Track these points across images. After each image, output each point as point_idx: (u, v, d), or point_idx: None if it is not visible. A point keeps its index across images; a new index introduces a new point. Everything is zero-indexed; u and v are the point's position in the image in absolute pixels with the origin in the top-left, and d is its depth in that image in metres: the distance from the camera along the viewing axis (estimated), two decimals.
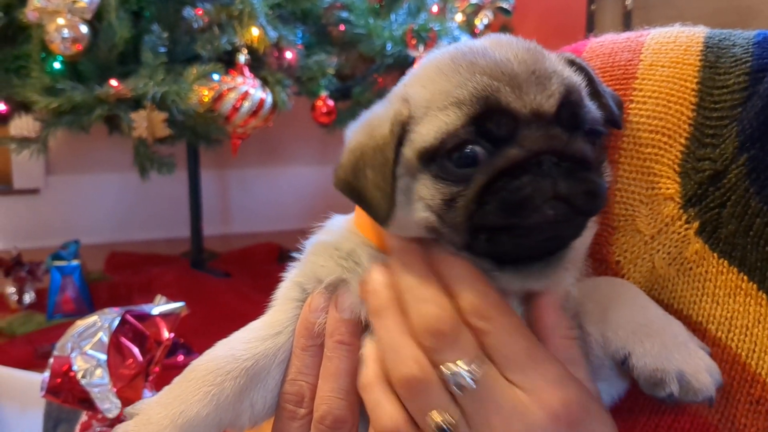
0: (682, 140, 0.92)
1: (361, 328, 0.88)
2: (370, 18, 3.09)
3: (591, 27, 3.13)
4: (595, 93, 0.86)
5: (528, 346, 0.81)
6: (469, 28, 3.65)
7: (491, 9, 3.72)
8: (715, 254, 0.90)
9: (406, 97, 0.83)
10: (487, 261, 0.82)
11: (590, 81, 0.86)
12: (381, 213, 0.82)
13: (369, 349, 0.86)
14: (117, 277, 4.33)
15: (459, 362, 0.78)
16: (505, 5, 3.72)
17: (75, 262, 3.84)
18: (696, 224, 0.90)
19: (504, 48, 0.81)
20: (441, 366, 0.79)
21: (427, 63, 0.87)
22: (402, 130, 0.81)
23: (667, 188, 0.92)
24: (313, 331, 0.90)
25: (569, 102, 0.79)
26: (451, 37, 3.30)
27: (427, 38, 3.13)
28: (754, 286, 0.87)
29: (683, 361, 0.80)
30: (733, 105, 0.92)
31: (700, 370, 0.80)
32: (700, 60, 0.95)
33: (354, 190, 0.85)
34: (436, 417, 0.78)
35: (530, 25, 3.94)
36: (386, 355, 0.83)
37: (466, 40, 0.89)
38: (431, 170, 0.80)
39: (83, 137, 3.53)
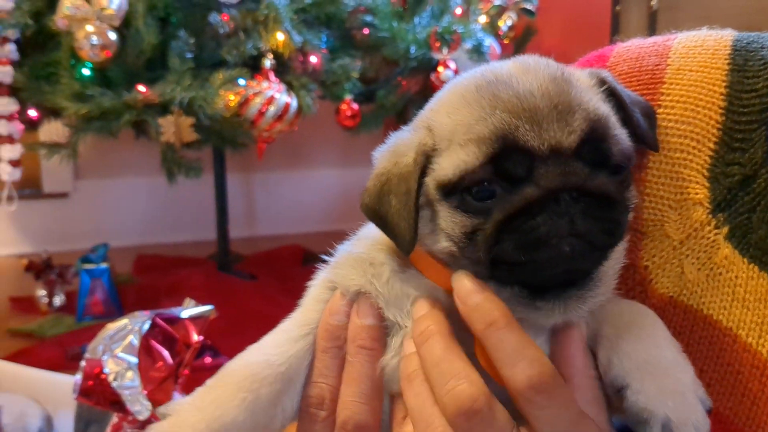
0: (711, 145, 0.92)
1: (384, 333, 0.89)
2: (394, 21, 3.10)
3: (616, 28, 3.11)
4: (627, 117, 0.86)
5: (578, 417, 0.80)
6: (493, 29, 3.64)
7: (515, 10, 3.70)
8: (745, 259, 0.89)
9: (431, 126, 0.84)
10: (525, 291, 0.82)
11: (621, 104, 0.86)
12: (404, 242, 0.83)
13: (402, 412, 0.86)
14: (145, 279, 4.37)
15: None
16: (528, 6, 3.70)
17: (104, 265, 3.88)
18: (725, 229, 0.90)
19: (530, 77, 0.81)
20: None
21: (453, 87, 0.87)
22: (425, 160, 0.82)
23: (696, 193, 0.91)
24: (333, 333, 0.90)
25: (592, 137, 0.79)
26: (475, 39, 3.30)
27: (451, 40, 3.13)
28: None
29: (674, 410, 0.79)
30: (762, 108, 0.91)
31: (687, 423, 0.79)
32: (728, 63, 0.94)
33: (379, 217, 0.86)
34: None
35: (554, 26, 3.92)
36: (415, 423, 0.82)
37: (492, 64, 0.88)
38: (451, 202, 0.81)
39: (111, 142, 3.58)
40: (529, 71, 0.82)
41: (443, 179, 0.81)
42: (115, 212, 5.15)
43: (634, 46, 1.04)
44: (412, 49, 3.13)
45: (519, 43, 3.88)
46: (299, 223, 4.88)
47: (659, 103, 0.95)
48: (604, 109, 0.82)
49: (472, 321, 0.80)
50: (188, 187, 4.41)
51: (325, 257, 0.97)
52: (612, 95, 0.86)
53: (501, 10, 3.69)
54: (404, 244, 0.83)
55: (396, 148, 0.87)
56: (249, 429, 0.88)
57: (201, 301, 1.91)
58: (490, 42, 3.43)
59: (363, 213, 0.89)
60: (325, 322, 0.91)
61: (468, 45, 3.30)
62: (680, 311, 0.93)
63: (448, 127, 0.82)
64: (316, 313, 0.93)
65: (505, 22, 3.69)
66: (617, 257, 0.88)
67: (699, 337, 0.92)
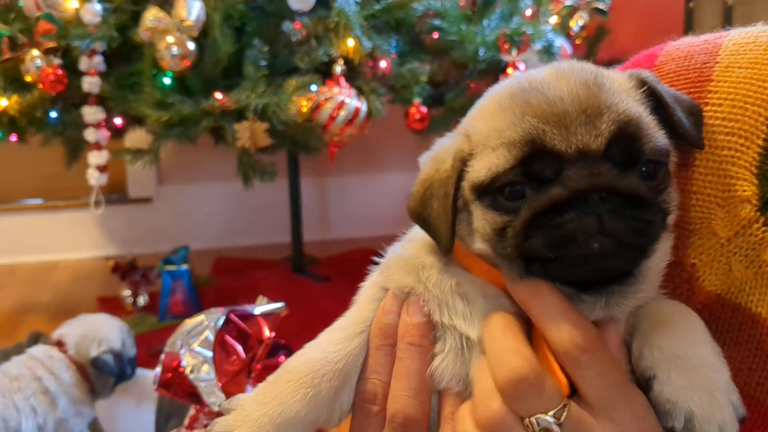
0: (760, 141, 0.91)
1: (432, 330, 0.92)
2: (463, 24, 3.12)
3: (690, 25, 3.03)
4: (668, 116, 0.87)
5: (622, 380, 0.84)
6: (564, 30, 3.61)
7: (587, 10, 3.66)
8: None
9: (468, 133, 0.89)
10: (569, 287, 0.85)
11: (661, 103, 0.87)
12: (443, 243, 0.88)
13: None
14: (223, 280, 4.51)
15: (548, 413, 0.80)
16: (601, 6, 3.65)
17: (184, 267, 4.01)
18: None
19: (562, 83, 0.84)
20: (528, 418, 0.81)
21: (491, 95, 0.91)
22: (462, 165, 0.87)
23: (744, 190, 0.91)
24: (386, 332, 0.94)
25: (622, 138, 0.81)
26: (545, 40, 3.28)
27: (520, 42, 3.13)
28: None
29: (699, 405, 0.80)
30: None
31: (711, 421, 0.80)
32: None
33: (422, 219, 0.91)
34: None
35: (628, 26, 3.85)
36: (473, 397, 0.86)
37: (530, 71, 0.92)
38: (484, 202, 0.85)
39: (192, 149, 3.71)
40: (563, 77, 0.85)
41: (476, 180, 0.85)
42: (195, 216, 5.32)
43: (684, 45, 1.04)
44: (481, 52, 3.14)
45: (591, 43, 3.83)
46: (371, 226, 4.93)
47: (706, 101, 0.95)
48: (636, 109, 0.84)
49: (518, 293, 0.85)
50: (265, 192, 4.53)
51: (379, 260, 1.02)
52: (652, 95, 0.88)
53: (572, 11, 3.66)
54: (443, 245, 0.88)
55: (437, 155, 0.92)
56: (310, 423, 0.92)
57: (277, 302, 1.99)
58: (560, 42, 3.40)
59: (409, 216, 0.94)
60: (379, 320, 0.96)
61: (538, 46, 3.28)
62: (728, 309, 0.93)
63: (484, 133, 0.86)
64: (369, 312, 0.97)
65: (577, 23, 3.65)
66: (661, 255, 0.89)
67: (747, 335, 0.92)
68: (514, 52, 3.15)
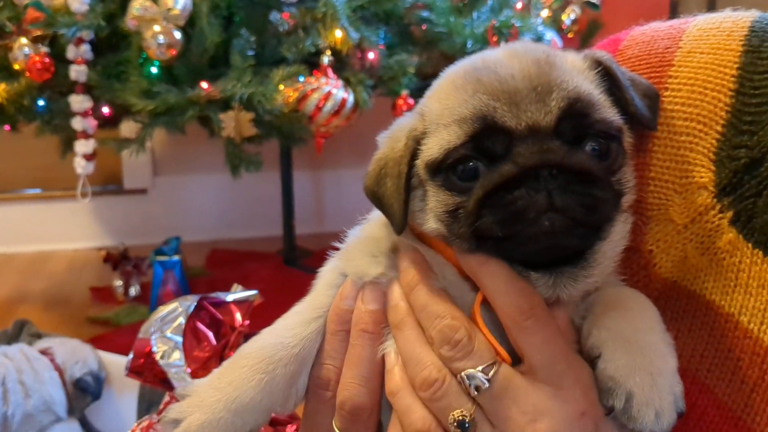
0: (719, 127, 0.89)
1: (385, 319, 0.92)
2: (451, 16, 3.11)
3: (675, 17, 3.01)
4: (622, 96, 0.87)
5: (568, 349, 0.84)
6: (556, 23, 3.60)
7: (579, 4, 3.65)
8: (749, 244, 0.87)
9: (423, 112, 0.89)
10: (522, 266, 0.85)
11: (616, 83, 0.87)
12: (396, 221, 0.88)
13: (393, 358, 0.90)
14: (216, 272, 4.51)
15: (477, 368, 0.82)
16: None
17: (176, 258, 4.00)
18: (730, 214, 0.88)
19: (514, 61, 0.84)
20: (459, 374, 0.83)
21: (447, 75, 0.91)
22: (416, 144, 0.87)
23: (701, 177, 0.90)
24: (342, 317, 0.94)
25: (572, 115, 0.81)
26: (534, 33, 3.27)
27: (509, 35, 3.12)
28: None
29: (640, 387, 0.80)
30: None
31: (649, 404, 0.79)
32: (743, 45, 0.91)
33: (376, 198, 0.91)
34: (457, 415, 0.82)
35: (620, 19, 3.82)
36: (408, 364, 0.87)
37: (486, 51, 0.92)
38: (437, 181, 0.85)
39: (187, 140, 3.71)
40: (515, 56, 0.85)
41: (429, 158, 0.85)
42: (191, 207, 5.33)
43: (649, 30, 1.03)
44: (469, 44, 3.13)
45: (585, 36, 3.82)
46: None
47: (666, 85, 0.94)
48: (587, 87, 0.83)
49: (468, 264, 0.85)
50: (260, 185, 4.52)
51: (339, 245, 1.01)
52: (608, 76, 0.87)
53: (564, 4, 3.64)
54: (396, 224, 0.88)
55: (393, 134, 0.92)
56: (265, 408, 0.92)
57: (267, 294, 1.98)
58: (551, 36, 3.39)
59: (365, 194, 0.92)
60: (336, 306, 0.95)
61: (526, 39, 3.27)
62: (683, 296, 0.93)
63: (437, 111, 0.86)
64: (327, 298, 0.97)
65: (569, 16, 3.64)
66: (617, 240, 0.88)
67: (701, 322, 0.91)
68: (502, 44, 3.12)
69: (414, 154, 0.87)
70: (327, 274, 1.00)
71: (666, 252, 0.93)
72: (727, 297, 0.88)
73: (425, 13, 3.09)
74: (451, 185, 0.83)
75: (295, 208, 4.52)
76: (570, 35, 3.68)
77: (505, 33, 3.10)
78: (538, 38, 3.28)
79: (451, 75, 0.89)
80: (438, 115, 0.86)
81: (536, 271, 0.84)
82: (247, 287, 2.04)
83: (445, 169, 0.83)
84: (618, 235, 0.88)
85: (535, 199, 0.78)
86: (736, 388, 0.87)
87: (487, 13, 3.23)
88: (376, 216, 0.99)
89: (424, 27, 3.15)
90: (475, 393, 0.81)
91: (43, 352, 2.64)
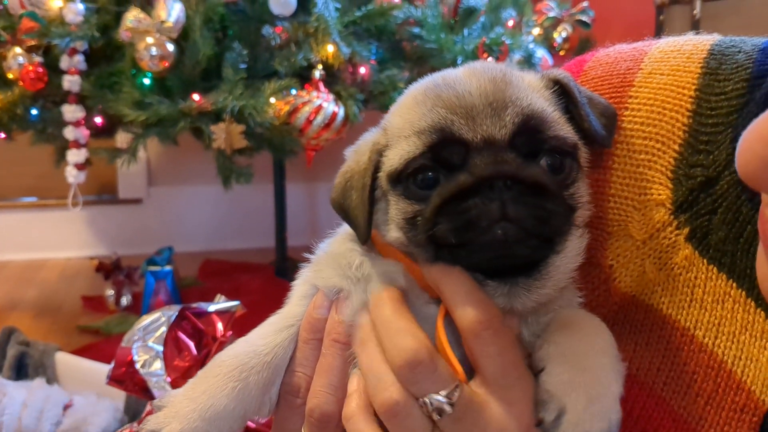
0: (676, 147, 0.92)
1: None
2: (442, 33, 3.14)
3: (660, 35, 3.05)
4: (578, 114, 0.90)
5: (519, 360, 0.86)
6: (547, 41, 3.63)
7: (570, 22, 3.69)
8: (705, 260, 0.90)
9: (386, 126, 0.93)
10: (478, 274, 0.87)
11: (572, 100, 0.90)
12: (361, 232, 0.91)
13: (353, 382, 0.91)
14: (209, 283, 4.52)
15: (441, 393, 0.83)
16: (584, 18, 3.68)
17: (168, 268, 4.01)
18: (686, 230, 0.91)
19: (472, 79, 0.88)
20: (421, 398, 0.83)
21: (410, 91, 0.94)
22: (379, 157, 0.91)
23: (659, 194, 0.92)
24: (315, 326, 0.96)
25: (526, 130, 0.84)
26: (525, 51, 3.30)
27: (499, 52, 3.15)
28: (743, 293, 0.87)
29: (574, 405, 0.81)
30: (729, 111, 0.91)
31: (579, 425, 0.81)
32: (702, 67, 0.95)
33: (342, 210, 0.94)
34: None
35: (612, 38, 3.86)
36: (369, 383, 0.88)
37: (447, 70, 0.95)
38: (398, 190, 0.88)
39: (183, 151, 3.72)
40: (474, 74, 0.89)
41: (391, 169, 0.89)
42: (185, 218, 5.34)
43: (614, 51, 1.06)
44: (459, 60, 3.16)
45: (576, 54, 3.85)
46: None
47: (626, 105, 0.97)
48: (541, 104, 0.87)
49: (431, 275, 0.87)
50: (254, 196, 4.54)
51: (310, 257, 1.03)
52: (565, 94, 0.90)
53: (556, 22, 3.68)
54: (361, 234, 0.91)
55: (358, 148, 0.96)
56: (239, 416, 0.93)
57: (257, 304, 1.99)
58: (542, 54, 3.42)
59: (332, 207, 0.95)
60: (309, 314, 0.97)
61: (518, 56, 3.30)
62: (641, 309, 0.95)
63: (398, 125, 0.90)
64: (300, 308, 0.99)
65: (560, 34, 3.67)
66: (571, 255, 0.90)
67: (658, 336, 0.93)
68: (491, 61, 3.16)
69: (377, 167, 0.91)
70: (300, 286, 1.02)
71: (625, 267, 0.96)
72: (683, 311, 0.91)
73: (416, 30, 3.13)
74: (411, 194, 0.87)
75: (287, 220, 4.53)
76: (561, 53, 3.72)
77: (495, 50, 3.13)
78: (529, 56, 3.32)
79: (413, 92, 0.93)
80: (399, 129, 0.89)
81: (492, 279, 0.87)
82: (238, 298, 2.05)
83: (405, 178, 0.87)
84: (573, 251, 0.90)
85: (488, 208, 0.80)
86: (691, 401, 0.89)
87: (478, 31, 3.27)
88: (342, 230, 1.02)
89: (415, 43, 3.18)
90: (438, 417, 0.83)
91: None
